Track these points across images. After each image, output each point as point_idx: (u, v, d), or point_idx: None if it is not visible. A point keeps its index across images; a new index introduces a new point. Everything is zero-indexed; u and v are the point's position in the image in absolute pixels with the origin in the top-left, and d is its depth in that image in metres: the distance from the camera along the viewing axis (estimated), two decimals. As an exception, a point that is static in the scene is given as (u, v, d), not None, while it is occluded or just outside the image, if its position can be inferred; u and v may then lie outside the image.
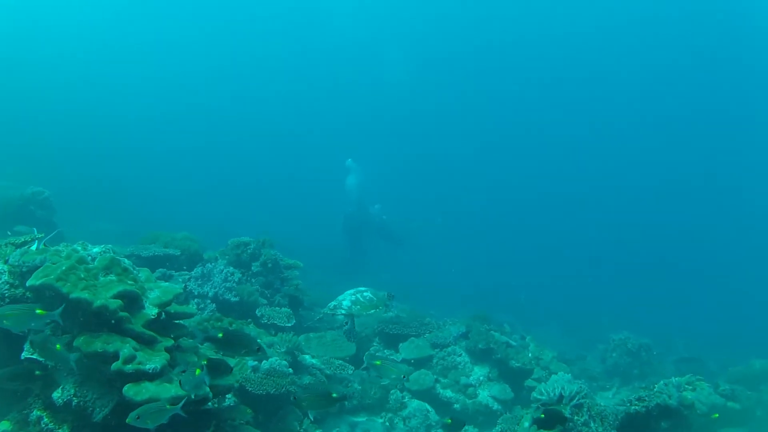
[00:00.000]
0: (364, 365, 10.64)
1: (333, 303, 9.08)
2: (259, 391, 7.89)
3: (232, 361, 6.69)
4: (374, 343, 12.07)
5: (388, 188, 33.46)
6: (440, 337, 12.05)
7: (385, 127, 49.67)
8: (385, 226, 25.78)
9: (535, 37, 46.69)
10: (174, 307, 6.77)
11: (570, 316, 23.60)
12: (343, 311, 8.88)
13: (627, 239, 40.01)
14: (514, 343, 12.56)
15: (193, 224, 16.38)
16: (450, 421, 8.65)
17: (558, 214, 43.57)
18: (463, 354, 11.65)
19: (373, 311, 9.02)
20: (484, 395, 10.86)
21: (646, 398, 7.42)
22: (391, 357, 11.41)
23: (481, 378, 11.22)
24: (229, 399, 7.49)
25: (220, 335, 6.37)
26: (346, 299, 8.95)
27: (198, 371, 5.61)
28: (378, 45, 48.50)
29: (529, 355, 12.46)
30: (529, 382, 11.68)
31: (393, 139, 48.09)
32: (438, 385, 10.95)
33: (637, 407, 7.36)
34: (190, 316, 7.33)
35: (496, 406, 10.73)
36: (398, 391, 10.54)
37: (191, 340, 6.84)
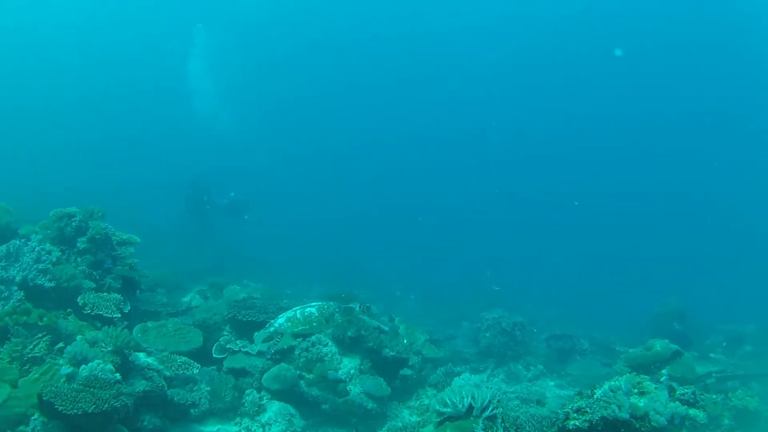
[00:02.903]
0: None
1: (272, 320, 7.93)
2: (72, 410, 5.96)
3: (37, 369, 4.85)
4: (225, 332, 10.25)
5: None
6: (302, 322, 10.39)
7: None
8: (232, 203, 23.88)
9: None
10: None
11: (429, 290, 22.78)
12: (273, 329, 7.68)
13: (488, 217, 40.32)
14: (386, 328, 11.15)
15: (15, 193, 13.96)
16: None
17: (414, 188, 43.31)
18: (330, 343, 10.06)
19: (304, 327, 7.77)
20: (356, 392, 9.32)
21: (588, 409, 5.76)
22: (245, 349, 9.66)
23: (351, 371, 9.69)
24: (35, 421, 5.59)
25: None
26: (283, 316, 7.85)
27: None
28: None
29: (404, 341, 11.11)
30: (404, 371, 10.47)
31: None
32: (302, 381, 9.26)
33: (576, 422, 5.84)
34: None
35: (370, 404, 9.24)
36: (255, 392, 8.86)
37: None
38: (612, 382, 6.05)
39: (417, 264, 28.42)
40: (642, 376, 6.65)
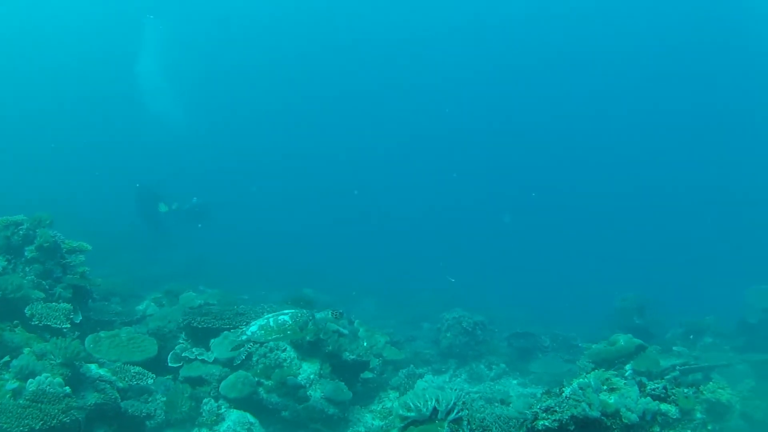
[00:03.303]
0: None
1: (244, 328, 7.77)
2: (18, 428, 5.69)
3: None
4: (180, 340, 9.98)
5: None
6: (260, 328, 10.13)
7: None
8: (194, 209, 23.40)
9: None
10: None
11: (388, 293, 22.67)
12: (245, 337, 7.55)
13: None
14: (345, 331, 10.95)
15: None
16: None
17: (371, 191, 43.19)
18: (288, 348, 9.83)
19: (278, 336, 7.64)
20: (317, 397, 9.12)
21: (557, 408, 5.64)
22: (201, 357, 9.41)
23: (311, 376, 9.46)
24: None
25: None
26: (255, 324, 7.66)
27: None
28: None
29: (364, 344, 10.95)
30: (365, 375, 10.35)
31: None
32: (261, 389, 9.03)
33: (545, 422, 5.67)
34: None
35: (332, 409, 9.05)
36: (213, 400, 8.63)
37: None
38: (581, 380, 5.94)
39: (375, 267, 28.31)
40: (609, 371, 6.56)
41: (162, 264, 20.24)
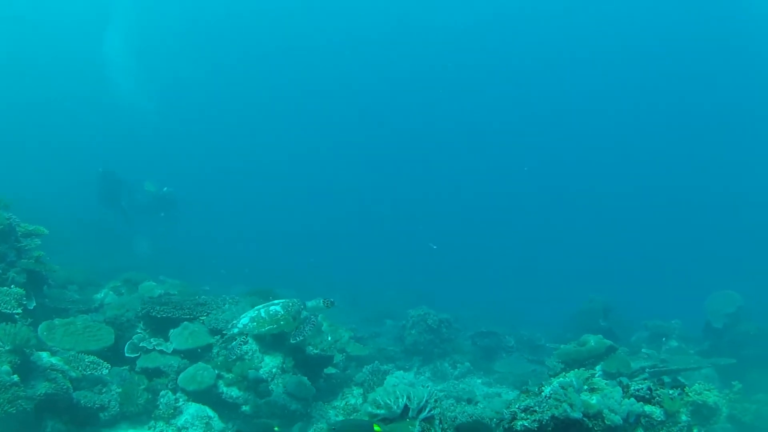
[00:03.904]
0: None
1: (234, 320, 7.89)
2: (-42, 416, 5.38)
3: None
4: (138, 330, 9.64)
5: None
6: (221, 320, 9.77)
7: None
8: (162, 199, 22.83)
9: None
10: None
11: (351, 288, 22.48)
12: (236, 330, 7.70)
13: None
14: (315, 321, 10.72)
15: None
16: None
17: (336, 188, 43.02)
18: (250, 340, 9.56)
19: (271, 327, 7.75)
20: (278, 392, 8.84)
21: (537, 408, 5.46)
22: (160, 347, 9.09)
23: (274, 370, 9.16)
24: None
25: None
26: (246, 316, 7.80)
27: None
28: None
29: (329, 338, 10.70)
30: (329, 370, 10.15)
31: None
32: (221, 382, 8.73)
33: (524, 422, 5.40)
34: None
35: (294, 405, 8.78)
36: (170, 393, 8.32)
37: None
38: (561, 379, 5.75)
39: (340, 263, 28.14)
40: (591, 370, 6.37)
41: (123, 254, 19.81)
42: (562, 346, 10.07)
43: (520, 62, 44.78)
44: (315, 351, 9.84)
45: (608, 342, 9.36)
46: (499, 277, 29.70)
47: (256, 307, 7.58)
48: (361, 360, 11.77)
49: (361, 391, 10.06)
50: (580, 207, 42.05)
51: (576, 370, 6.43)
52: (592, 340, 9.33)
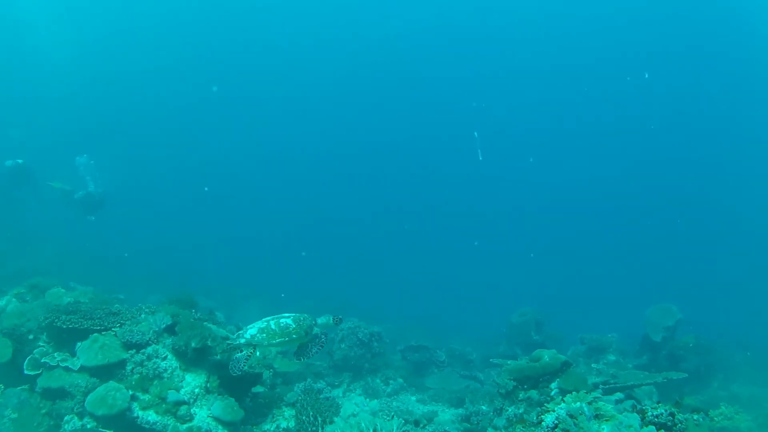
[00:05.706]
0: None
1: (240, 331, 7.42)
2: None
3: None
4: (41, 343, 8.52)
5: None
6: (136, 332, 8.71)
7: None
8: (88, 198, 21.16)
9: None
10: None
11: (272, 297, 21.60)
12: (243, 340, 7.18)
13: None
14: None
15: None
16: None
17: (265, 190, 42.14)
18: (170, 356, 8.56)
19: (282, 340, 7.23)
20: (202, 416, 7.88)
21: None
22: (65, 363, 8.01)
23: (196, 390, 8.22)
24: None
25: None
26: (254, 326, 7.28)
27: None
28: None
29: (257, 353, 9.79)
30: (256, 389, 9.30)
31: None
32: (136, 404, 7.71)
33: None
34: None
35: (220, 430, 7.86)
36: (77, 418, 7.29)
37: None
38: (570, 405, 4.92)
39: (261, 270, 27.21)
40: (593, 393, 5.54)
41: (31, 256, 18.40)
42: (510, 361, 9.49)
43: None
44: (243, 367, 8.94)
45: (563, 357, 8.86)
46: (424, 288, 29.20)
47: (264, 319, 6.96)
48: (288, 377, 11.02)
49: (293, 412, 9.15)
50: (510, 218, 42.17)
51: (576, 393, 5.56)
52: (546, 356, 8.79)
